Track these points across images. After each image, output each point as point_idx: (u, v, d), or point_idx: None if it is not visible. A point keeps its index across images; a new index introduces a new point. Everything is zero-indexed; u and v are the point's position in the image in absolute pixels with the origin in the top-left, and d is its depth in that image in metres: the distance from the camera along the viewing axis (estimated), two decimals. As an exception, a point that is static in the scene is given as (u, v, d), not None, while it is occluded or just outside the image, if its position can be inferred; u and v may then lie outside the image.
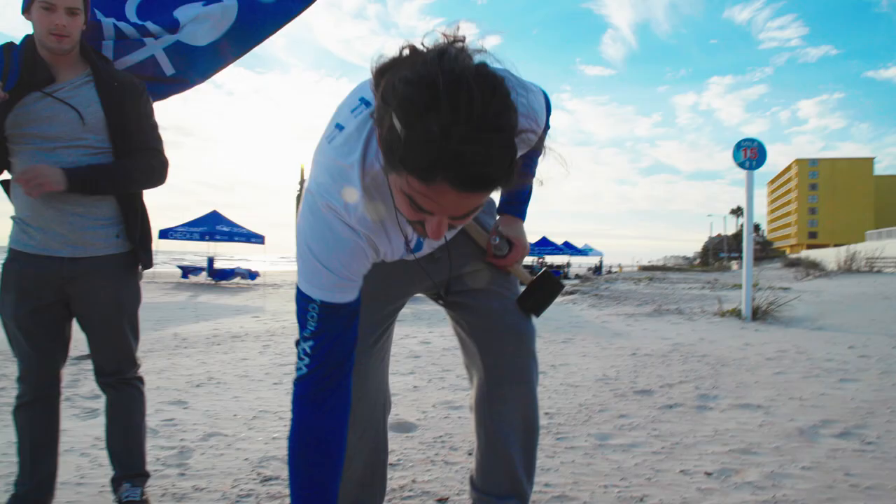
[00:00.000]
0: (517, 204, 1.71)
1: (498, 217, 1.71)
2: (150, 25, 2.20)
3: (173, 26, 2.23)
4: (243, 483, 2.36)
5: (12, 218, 1.98)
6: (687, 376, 4.47)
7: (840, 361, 5.10)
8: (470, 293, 1.66)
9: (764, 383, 4.22)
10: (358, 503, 1.65)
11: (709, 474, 2.43)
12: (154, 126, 2.10)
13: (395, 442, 2.86)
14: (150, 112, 2.10)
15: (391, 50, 1.02)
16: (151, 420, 3.17)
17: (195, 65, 2.30)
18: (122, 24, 2.18)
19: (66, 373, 4.28)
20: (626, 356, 5.42)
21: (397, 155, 0.93)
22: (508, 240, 1.65)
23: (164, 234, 20.51)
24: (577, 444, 2.85)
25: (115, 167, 1.97)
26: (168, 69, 2.23)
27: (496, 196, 1.73)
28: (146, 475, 2.17)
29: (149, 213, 2.16)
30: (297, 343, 1.26)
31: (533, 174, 1.70)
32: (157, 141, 2.09)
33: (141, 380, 2.16)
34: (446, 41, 0.97)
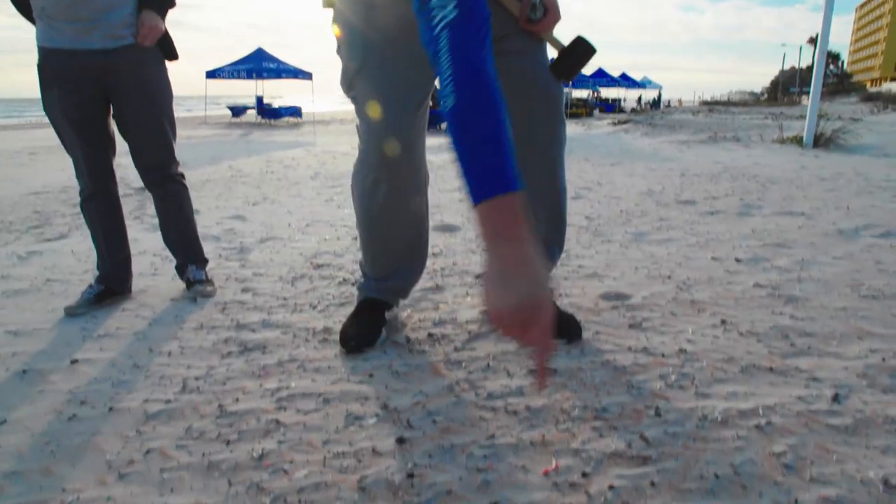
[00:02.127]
0: None
1: None
2: None
3: None
4: (298, 269, 2.58)
5: (36, 16, 2.03)
6: (734, 191, 4.44)
7: (899, 182, 4.92)
8: (502, 55, 1.67)
9: (812, 197, 4.16)
10: (402, 267, 1.82)
11: (739, 260, 2.51)
12: None
13: (439, 239, 3.03)
14: None
15: None
16: (212, 230, 3.41)
17: None
18: None
19: (134, 200, 4.66)
20: (675, 176, 5.37)
21: None
22: (544, 5, 1.62)
23: (212, 74, 20.50)
24: (614, 239, 2.96)
25: None
26: None
27: None
28: (206, 260, 2.42)
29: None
30: None
31: None
32: None
33: (183, 175, 2.34)
34: None
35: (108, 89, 2.10)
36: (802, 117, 9.61)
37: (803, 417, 1.28)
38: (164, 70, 2.21)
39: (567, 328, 1.73)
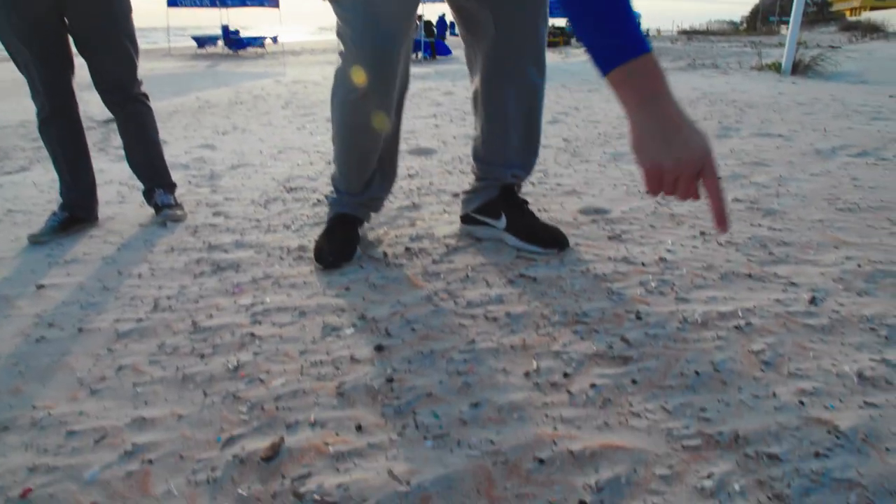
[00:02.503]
0: None
1: None
2: None
3: None
4: (271, 193, 2.51)
5: None
6: (712, 115, 4.40)
7: (875, 106, 4.92)
8: None
9: (790, 120, 4.14)
10: (376, 179, 1.76)
11: (717, 177, 2.49)
12: None
13: (414, 161, 2.97)
14: None
15: None
16: (181, 159, 3.30)
17: None
18: None
19: (98, 132, 4.47)
20: (652, 102, 5.30)
21: None
22: None
23: (173, 2, 19.59)
24: (592, 159, 2.93)
25: None
26: None
27: None
28: (174, 185, 2.33)
29: None
30: None
31: None
32: None
33: (146, 96, 2.22)
34: None
35: (64, 8, 1.96)
36: (781, 45, 9.52)
37: (781, 318, 1.29)
38: None
39: (553, 238, 1.70)
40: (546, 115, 4.55)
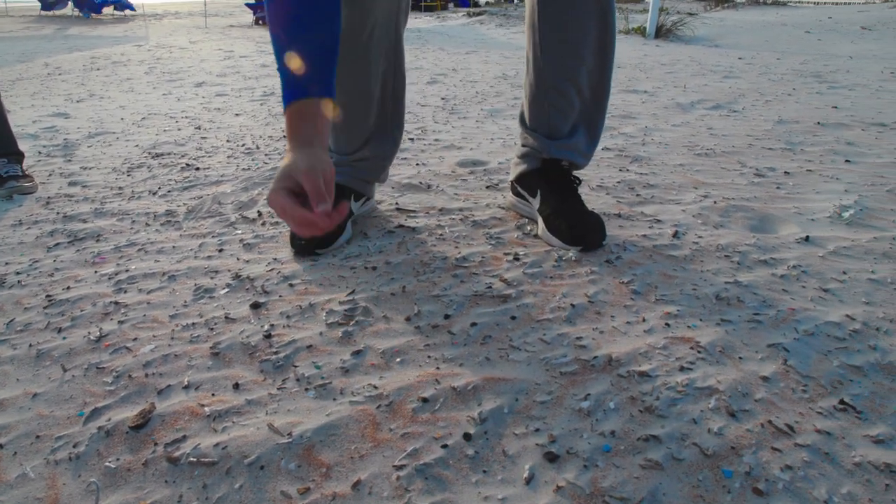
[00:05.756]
0: None
1: None
2: None
3: None
4: (135, 160, 2.33)
5: None
6: (583, 75, 4.57)
7: (727, 66, 5.32)
8: None
9: (654, 78, 4.38)
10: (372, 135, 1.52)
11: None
12: None
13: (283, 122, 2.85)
14: None
15: None
16: (28, 129, 2.98)
17: None
18: None
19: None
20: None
21: None
22: None
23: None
24: (470, 116, 2.95)
25: None
26: None
27: None
28: (21, 153, 2.10)
29: None
30: None
31: None
32: None
33: None
34: None
35: None
36: (645, 11, 10.04)
37: (648, 251, 1.37)
38: None
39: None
40: (424, 77, 4.53)
